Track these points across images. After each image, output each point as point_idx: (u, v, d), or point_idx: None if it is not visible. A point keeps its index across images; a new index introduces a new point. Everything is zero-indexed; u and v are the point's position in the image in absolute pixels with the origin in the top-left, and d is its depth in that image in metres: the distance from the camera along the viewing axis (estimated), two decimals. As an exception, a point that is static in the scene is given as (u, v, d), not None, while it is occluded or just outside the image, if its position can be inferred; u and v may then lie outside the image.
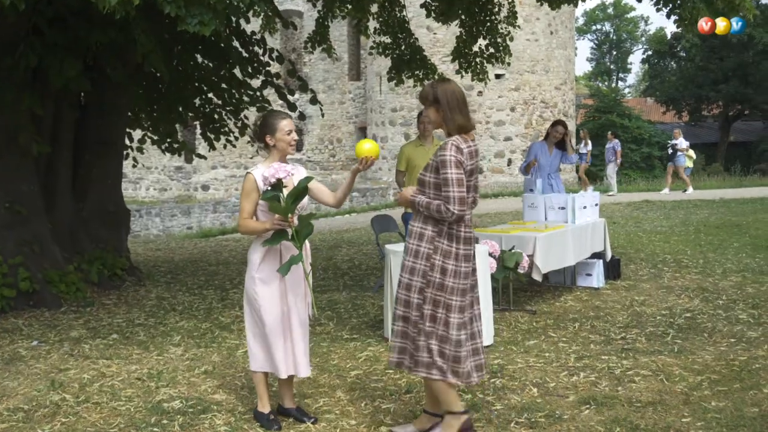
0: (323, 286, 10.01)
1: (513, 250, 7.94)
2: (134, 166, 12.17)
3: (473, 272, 4.73)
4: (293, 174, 4.73)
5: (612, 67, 78.70)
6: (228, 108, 11.32)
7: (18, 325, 8.14)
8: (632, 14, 76.94)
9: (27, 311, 8.70)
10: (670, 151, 25.74)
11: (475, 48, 13.13)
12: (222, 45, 10.16)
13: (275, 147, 4.96)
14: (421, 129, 8.71)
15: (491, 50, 13.00)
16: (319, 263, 12.11)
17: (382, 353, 6.74)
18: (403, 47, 13.01)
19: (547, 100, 32.63)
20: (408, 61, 12.89)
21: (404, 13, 13.14)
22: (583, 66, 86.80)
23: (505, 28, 12.97)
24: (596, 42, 78.10)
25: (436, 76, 12.95)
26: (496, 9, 12.67)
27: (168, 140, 11.54)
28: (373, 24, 13.21)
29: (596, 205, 9.57)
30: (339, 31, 34.09)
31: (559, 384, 5.77)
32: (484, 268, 7.19)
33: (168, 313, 8.63)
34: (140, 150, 11.69)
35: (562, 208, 9.07)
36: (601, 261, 9.40)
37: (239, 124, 11.43)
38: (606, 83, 73.08)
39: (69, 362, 6.70)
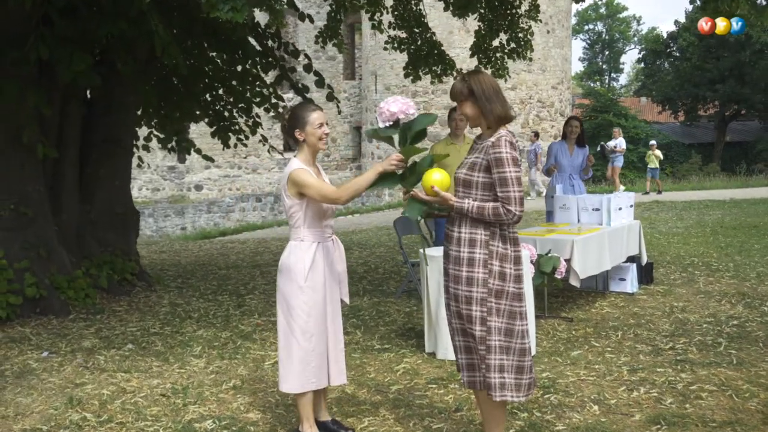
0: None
1: (549, 254, 7.53)
2: (139, 166, 11.68)
3: (523, 277, 4.30)
4: (413, 114, 4.26)
5: (604, 67, 78.57)
6: (240, 105, 10.84)
7: (26, 334, 7.67)
8: (624, 14, 76.91)
9: (34, 319, 8.22)
10: (612, 155, 24.34)
11: (495, 43, 12.69)
12: (234, 39, 9.70)
13: (305, 142, 4.59)
14: (453, 127, 8.29)
15: (512, 45, 12.58)
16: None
17: (419, 365, 6.35)
18: (419, 42, 12.57)
19: (543, 99, 32.35)
20: (425, 56, 12.45)
21: (420, 6, 12.71)
22: (575, 66, 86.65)
23: (526, 22, 12.54)
24: (588, 42, 77.96)
25: (455, 72, 12.55)
26: (517, 2, 12.24)
27: (175, 138, 11.07)
28: (387, 18, 12.73)
29: (631, 206, 9.16)
30: (335, 29, 33.70)
31: (620, 401, 5.36)
32: (526, 274, 6.79)
33: (184, 321, 8.17)
34: (146, 149, 11.23)
35: (597, 210, 8.66)
36: (634, 265, 9.00)
37: (251, 122, 10.97)
38: (598, 83, 72.95)
39: (84, 376, 6.25)
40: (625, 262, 8.91)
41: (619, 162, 24.16)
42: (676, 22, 46.58)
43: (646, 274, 9.35)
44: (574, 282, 7.78)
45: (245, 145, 11.39)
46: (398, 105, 4.15)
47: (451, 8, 12.04)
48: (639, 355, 6.47)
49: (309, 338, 4.61)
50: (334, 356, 4.76)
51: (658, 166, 25.88)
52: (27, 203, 8.46)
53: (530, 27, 12.61)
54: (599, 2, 74.69)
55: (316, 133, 4.55)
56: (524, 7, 12.60)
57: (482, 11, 12.19)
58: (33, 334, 7.65)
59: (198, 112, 11.01)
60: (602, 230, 8.29)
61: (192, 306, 8.94)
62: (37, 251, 8.43)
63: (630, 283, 8.92)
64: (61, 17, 7.82)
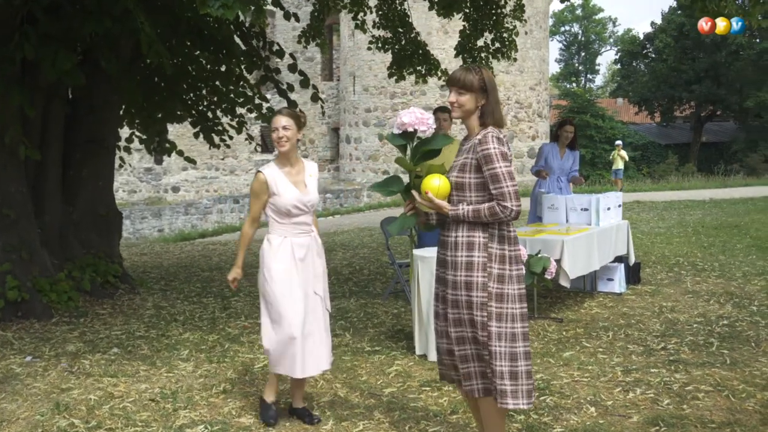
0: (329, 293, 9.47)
1: (539, 255, 7.48)
2: (121, 167, 11.48)
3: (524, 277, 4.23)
4: (427, 132, 4.22)
5: (580, 68, 78.90)
6: (224, 105, 10.69)
7: (8, 338, 7.50)
8: (600, 15, 77.26)
9: (15, 322, 8.04)
10: None
11: (480, 43, 12.63)
12: (219, 38, 9.56)
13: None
14: (438, 127, 8.15)
15: (497, 45, 12.52)
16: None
17: (411, 368, 6.27)
18: (403, 42, 12.48)
19: (521, 100, 32.39)
20: (410, 56, 12.37)
21: (405, 6, 12.62)
22: (551, 67, 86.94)
23: (511, 22, 12.50)
24: (565, 43, 78.26)
25: (439, 72, 12.49)
26: (502, 2, 12.18)
27: (157, 139, 10.91)
28: (371, 17, 12.63)
29: (619, 206, 9.14)
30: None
31: (617, 402, 5.33)
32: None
33: (169, 324, 8.04)
34: (127, 150, 11.07)
35: (585, 210, 8.63)
36: (622, 265, 8.98)
37: (236, 122, 10.82)
38: (574, 84, 73.23)
39: (70, 381, 6.11)
40: (613, 262, 8.88)
41: None
42: (653, 23, 46.89)
43: (633, 274, 9.33)
44: (563, 282, 7.74)
45: (228, 146, 11.24)
46: (411, 117, 4.07)
47: (435, 8, 11.94)
48: (631, 356, 6.44)
49: (273, 325, 4.96)
50: (310, 346, 4.96)
51: (622, 167, 25.71)
52: (9, 204, 8.29)
53: (515, 27, 12.56)
54: (575, 3, 74.98)
55: (272, 136, 4.96)
56: (509, 7, 12.54)
57: (467, 11, 12.13)
58: (15, 338, 7.49)
59: (180, 113, 10.85)
60: (591, 230, 8.26)
61: (177, 309, 8.81)
62: (20, 253, 8.26)
63: (618, 283, 8.90)
64: (44, 15, 7.66)
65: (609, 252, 8.61)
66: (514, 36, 12.54)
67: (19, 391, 5.88)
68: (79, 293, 8.79)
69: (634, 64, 49.63)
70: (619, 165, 25.02)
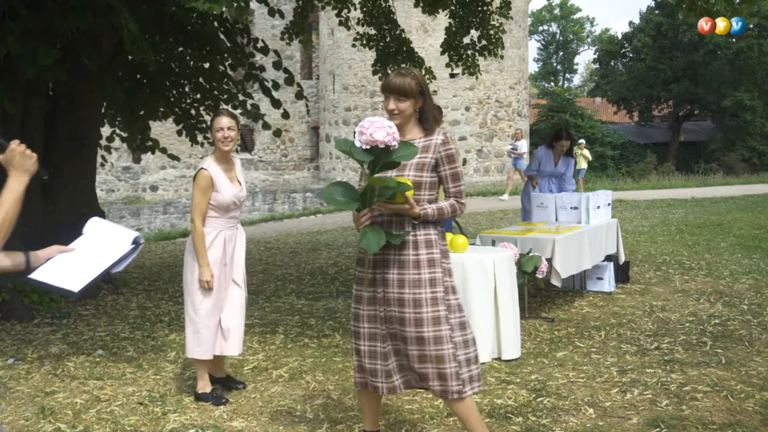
0: (315, 293, 9.36)
1: (531, 254, 7.40)
2: (102, 166, 11.29)
3: None
4: (394, 146, 3.91)
5: (558, 67, 79.14)
6: (207, 103, 10.53)
7: (-12, 340, 7.35)
8: (578, 15, 77.55)
9: (-4, 324, 7.89)
10: (513, 156, 23.03)
11: (466, 40, 12.54)
12: (203, 35, 9.41)
13: (215, 144, 5.35)
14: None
15: (483, 42, 12.44)
16: (304, 268, 11.45)
17: (404, 369, 6.14)
18: (388, 39, 12.38)
19: (501, 99, 32.35)
20: (394, 53, 12.26)
21: (389, 2, 12.51)
22: (530, 66, 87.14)
23: (497, 19, 12.42)
24: (543, 43, 78.46)
25: (423, 71, 12.39)
26: (489, -1, 12.13)
27: (139, 137, 10.74)
28: (355, 15, 12.51)
29: (609, 204, 9.08)
30: (292, 28, 33.27)
31: (615, 403, 5.25)
32: (511, 274, 6.65)
33: (155, 325, 7.89)
34: (108, 149, 10.88)
35: (575, 208, 8.56)
36: (612, 264, 8.91)
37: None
38: (552, 83, 73.44)
39: (54, 384, 5.96)
40: (602, 260, 8.82)
41: (522, 165, 22.27)
42: (631, 23, 47.05)
43: (622, 273, 9.27)
44: (555, 281, 7.67)
45: (211, 144, 11.07)
46: (382, 134, 3.77)
47: (421, 4, 11.84)
48: (625, 356, 6.37)
49: (198, 311, 5.35)
50: (226, 327, 5.41)
51: (585, 166, 25.40)
52: (-12, 204, 8.10)
53: (501, 24, 12.49)
54: (554, 3, 75.20)
55: (216, 135, 5.29)
56: (495, 4, 12.46)
57: (453, 8, 12.04)
58: (-4, 340, 7.33)
59: (162, 110, 10.68)
60: (582, 229, 8.19)
61: (161, 309, 8.66)
62: (-1, 254, 8.08)
63: (607, 282, 8.83)
64: (26, 10, 7.48)
65: (600, 251, 8.55)
66: (500, 33, 12.47)
67: (1, 394, 5.73)
68: (60, 294, 8.61)
69: (612, 63, 49.77)
70: (582, 165, 24.73)
